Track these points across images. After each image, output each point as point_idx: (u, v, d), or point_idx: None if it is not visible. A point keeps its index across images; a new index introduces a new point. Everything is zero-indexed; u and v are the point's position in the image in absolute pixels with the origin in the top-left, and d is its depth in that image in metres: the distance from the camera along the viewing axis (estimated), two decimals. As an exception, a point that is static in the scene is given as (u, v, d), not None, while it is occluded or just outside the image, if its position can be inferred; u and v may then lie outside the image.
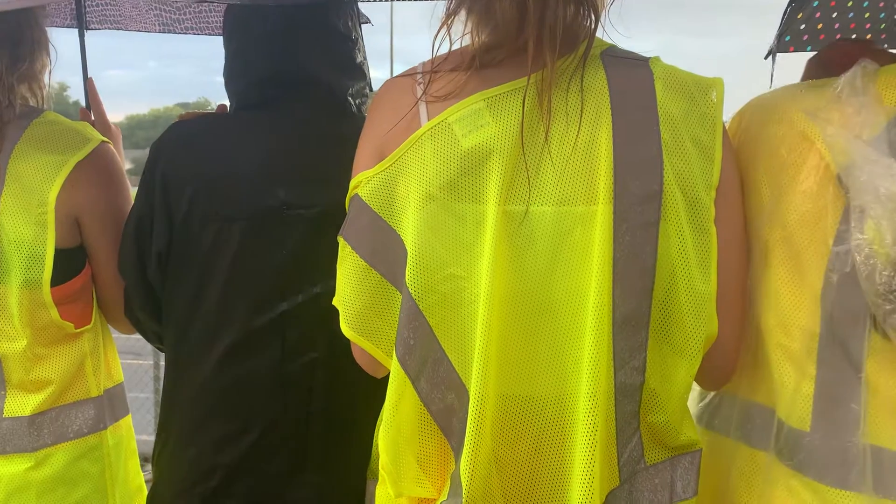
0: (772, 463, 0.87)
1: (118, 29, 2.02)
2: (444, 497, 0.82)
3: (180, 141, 1.10)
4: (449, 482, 0.83)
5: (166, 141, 1.10)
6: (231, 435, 1.06)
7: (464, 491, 0.78)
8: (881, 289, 0.75)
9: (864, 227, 0.77)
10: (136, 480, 1.31)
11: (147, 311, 1.14)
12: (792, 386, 0.84)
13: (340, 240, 0.88)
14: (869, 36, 1.54)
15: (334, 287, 0.89)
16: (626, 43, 0.87)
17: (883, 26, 1.53)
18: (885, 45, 1.52)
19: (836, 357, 0.81)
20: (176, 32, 2.00)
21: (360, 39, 1.17)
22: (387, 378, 0.86)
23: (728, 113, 0.95)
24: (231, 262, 1.05)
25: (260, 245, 1.05)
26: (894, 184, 0.74)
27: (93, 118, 1.42)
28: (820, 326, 0.82)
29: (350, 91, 1.14)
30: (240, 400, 1.06)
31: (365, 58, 1.18)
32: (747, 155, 0.90)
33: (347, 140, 0.94)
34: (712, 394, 0.98)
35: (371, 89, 1.21)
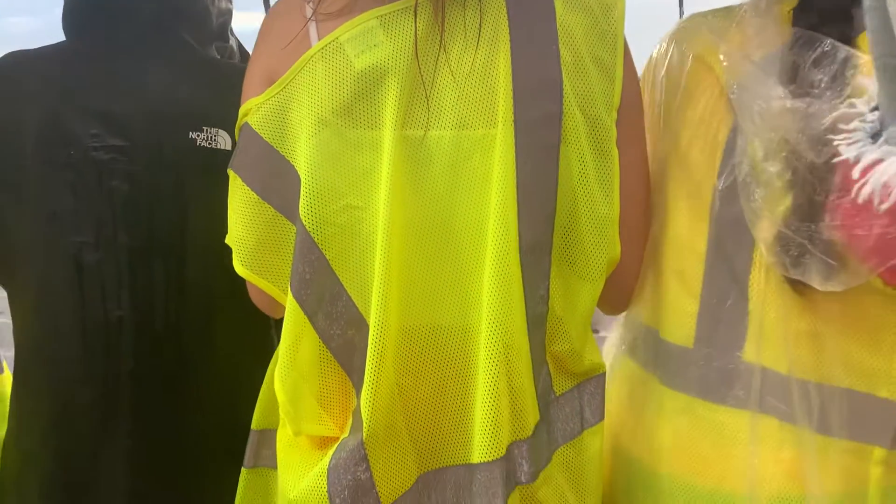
0: (654, 384, 0.89)
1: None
2: (345, 434, 0.80)
3: None
4: (351, 419, 0.81)
5: None
6: (44, 393, 1.01)
7: (364, 426, 0.76)
8: (755, 206, 0.77)
9: (745, 145, 0.78)
10: None
11: None
12: (678, 305, 0.86)
13: (230, 172, 0.83)
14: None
15: (139, 238, 0.88)
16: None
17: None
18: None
19: (722, 274, 0.83)
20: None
21: None
22: (221, 332, 0.86)
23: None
24: (31, 210, 0.98)
25: (52, 191, 0.97)
26: (770, 103, 0.74)
27: None
28: (707, 245, 0.84)
29: (178, 17, 1.06)
30: (48, 358, 1.01)
31: None
32: (654, 74, 0.91)
33: (155, 73, 0.91)
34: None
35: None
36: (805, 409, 0.79)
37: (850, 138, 0.69)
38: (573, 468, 0.87)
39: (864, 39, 0.75)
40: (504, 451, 0.77)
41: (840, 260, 0.73)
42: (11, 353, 1.09)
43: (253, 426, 0.93)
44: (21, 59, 1.04)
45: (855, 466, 0.78)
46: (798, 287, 0.78)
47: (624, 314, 1.01)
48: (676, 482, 0.86)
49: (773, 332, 0.80)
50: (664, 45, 0.92)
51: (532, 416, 0.81)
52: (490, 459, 0.77)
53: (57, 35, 1.08)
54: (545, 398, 0.84)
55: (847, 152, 0.69)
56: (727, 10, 0.88)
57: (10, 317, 1.06)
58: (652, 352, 0.91)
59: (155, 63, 1.02)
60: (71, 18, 1.07)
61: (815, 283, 0.74)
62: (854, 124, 0.70)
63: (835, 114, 0.70)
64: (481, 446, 0.77)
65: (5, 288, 1.08)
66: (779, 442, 0.80)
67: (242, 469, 0.93)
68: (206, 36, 1.09)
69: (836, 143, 0.70)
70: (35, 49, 1.05)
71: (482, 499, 0.78)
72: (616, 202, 0.82)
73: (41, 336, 1.02)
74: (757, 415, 0.82)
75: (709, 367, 0.84)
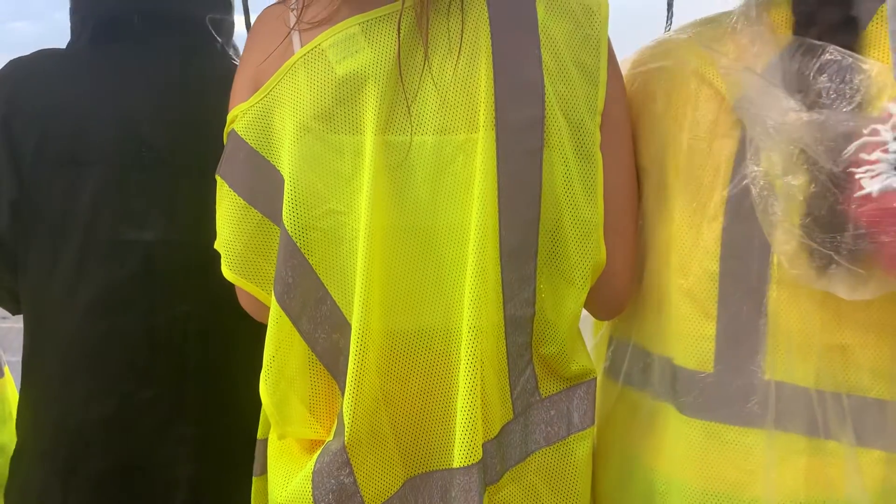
0: (669, 411, 0.86)
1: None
2: (330, 437, 0.80)
3: (23, 78, 1.02)
4: (336, 422, 0.81)
5: (5, 78, 1.02)
6: (98, 394, 1.01)
7: (346, 430, 0.76)
8: (774, 219, 0.75)
9: (758, 159, 0.76)
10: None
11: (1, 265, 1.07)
12: (692, 329, 0.83)
13: (218, 178, 0.84)
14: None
15: (201, 236, 0.86)
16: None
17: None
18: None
19: (739, 293, 0.80)
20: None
21: None
22: (258, 332, 0.82)
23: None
24: (88, 210, 0.99)
25: (118, 192, 0.99)
26: (782, 115, 0.72)
27: None
28: (720, 264, 0.81)
29: (216, 27, 1.08)
30: (107, 357, 1.01)
31: None
32: (646, 86, 0.88)
33: (216, 80, 0.91)
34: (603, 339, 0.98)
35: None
36: (833, 421, 0.77)
37: (872, 171, 0.67)
38: (555, 472, 0.86)
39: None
40: (481, 455, 0.78)
41: (867, 269, 0.71)
42: (13, 357, 1.09)
43: (259, 436, 0.93)
44: (30, 63, 1.04)
45: (890, 476, 0.77)
46: (819, 298, 0.77)
47: (608, 330, 0.98)
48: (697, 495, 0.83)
49: (796, 347, 0.78)
50: (656, 53, 0.89)
51: (499, 417, 0.81)
52: (469, 463, 0.77)
53: (55, 39, 1.10)
54: (525, 399, 0.83)
55: (870, 186, 0.67)
56: (714, 21, 0.85)
57: (14, 321, 1.06)
58: (662, 379, 0.87)
59: (209, 69, 1.05)
60: (108, 28, 1.07)
61: (842, 293, 0.73)
62: (876, 155, 0.68)
63: (858, 142, 0.68)
64: (461, 450, 0.77)
65: (22, 288, 1.07)
66: (807, 457, 0.78)
67: (253, 478, 0.93)
68: (233, 45, 1.13)
69: (857, 175, 0.67)
70: (38, 55, 1.06)
71: (460, 503, 0.79)
72: (600, 206, 0.81)
73: (90, 335, 1.01)
74: (782, 434, 0.79)
75: (731, 390, 0.81)
